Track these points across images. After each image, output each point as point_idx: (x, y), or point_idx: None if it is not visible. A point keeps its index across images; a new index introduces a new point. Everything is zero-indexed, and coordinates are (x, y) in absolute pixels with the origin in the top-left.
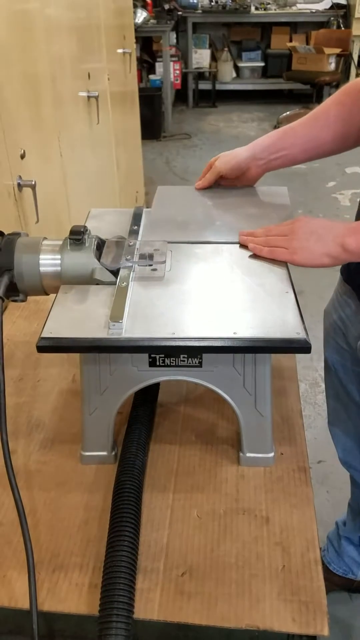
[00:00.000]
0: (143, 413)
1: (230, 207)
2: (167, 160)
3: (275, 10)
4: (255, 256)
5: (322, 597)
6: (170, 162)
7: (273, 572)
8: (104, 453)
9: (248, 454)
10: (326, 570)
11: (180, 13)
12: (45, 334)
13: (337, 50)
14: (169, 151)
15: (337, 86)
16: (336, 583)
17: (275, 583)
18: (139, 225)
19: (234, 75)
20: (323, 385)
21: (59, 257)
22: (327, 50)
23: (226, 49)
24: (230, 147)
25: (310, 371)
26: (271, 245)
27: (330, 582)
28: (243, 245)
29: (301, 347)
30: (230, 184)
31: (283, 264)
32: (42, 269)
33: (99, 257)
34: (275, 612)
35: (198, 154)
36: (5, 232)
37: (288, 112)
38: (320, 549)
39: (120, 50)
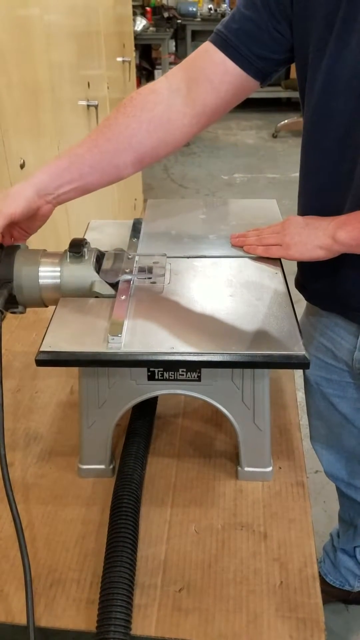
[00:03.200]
0: (141, 426)
1: (222, 220)
2: (165, 168)
3: None
4: (253, 270)
5: (320, 614)
6: (168, 169)
7: (271, 588)
8: (102, 466)
9: (246, 468)
10: (323, 582)
11: (179, 21)
12: (44, 348)
13: None
14: (167, 158)
15: None
16: (333, 595)
17: (273, 599)
18: (138, 238)
19: None
20: None
21: (58, 269)
22: None
23: None
24: (228, 154)
25: None
26: (264, 244)
27: (327, 593)
28: (240, 257)
29: (300, 362)
30: (25, 229)
31: (281, 277)
32: (41, 281)
33: (98, 270)
34: (273, 629)
35: (196, 161)
36: (5, 244)
37: (286, 120)
38: (317, 560)
39: (119, 59)
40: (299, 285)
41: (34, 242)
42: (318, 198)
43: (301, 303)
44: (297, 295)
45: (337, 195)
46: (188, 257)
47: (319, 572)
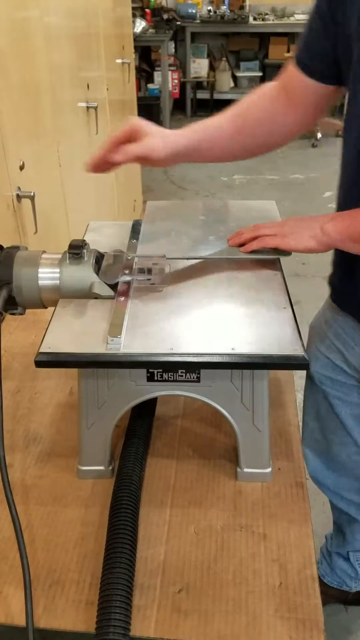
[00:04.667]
0: (140, 427)
1: (221, 222)
2: (165, 169)
3: (273, 20)
4: (253, 271)
5: (319, 614)
6: (168, 171)
7: (270, 589)
8: (101, 467)
9: (245, 469)
10: (321, 583)
11: (178, 23)
12: (43, 349)
13: None
14: None
15: None
16: (332, 595)
17: (272, 600)
18: (137, 239)
19: (232, 84)
20: None
21: (57, 270)
22: None
23: (224, 58)
24: None
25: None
26: (260, 234)
27: (325, 594)
28: (239, 258)
29: (299, 363)
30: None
31: (281, 279)
32: (41, 282)
33: (97, 271)
34: (272, 630)
35: (196, 163)
36: (5, 243)
37: None
38: (316, 561)
39: (119, 61)
40: (330, 281)
41: (33, 243)
42: (351, 191)
43: (301, 304)
44: (296, 296)
45: None
46: (187, 259)
47: (318, 573)
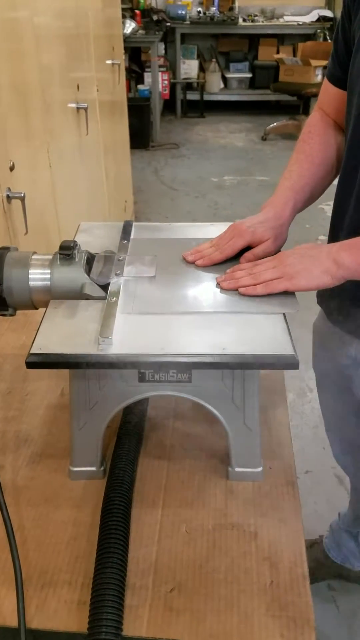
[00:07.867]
0: (132, 427)
1: (216, 266)
2: (155, 170)
3: (262, 22)
4: None
5: (310, 612)
6: (158, 172)
7: (261, 588)
8: (93, 468)
9: (237, 469)
10: (325, 557)
11: (168, 24)
12: (34, 350)
13: (324, 62)
14: (158, 160)
15: None
16: (334, 570)
17: (263, 598)
18: (128, 240)
19: (222, 86)
20: (310, 395)
21: (48, 271)
22: (314, 62)
23: (214, 60)
24: (218, 156)
25: (297, 381)
26: (263, 280)
27: (329, 568)
28: (240, 312)
29: (289, 363)
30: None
31: None
32: (31, 283)
33: (88, 272)
34: (263, 628)
35: (186, 164)
36: None
37: (275, 123)
38: (322, 536)
39: (109, 62)
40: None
41: (23, 244)
42: (338, 193)
43: None
44: None
45: (348, 189)
46: (180, 314)
47: (323, 547)
